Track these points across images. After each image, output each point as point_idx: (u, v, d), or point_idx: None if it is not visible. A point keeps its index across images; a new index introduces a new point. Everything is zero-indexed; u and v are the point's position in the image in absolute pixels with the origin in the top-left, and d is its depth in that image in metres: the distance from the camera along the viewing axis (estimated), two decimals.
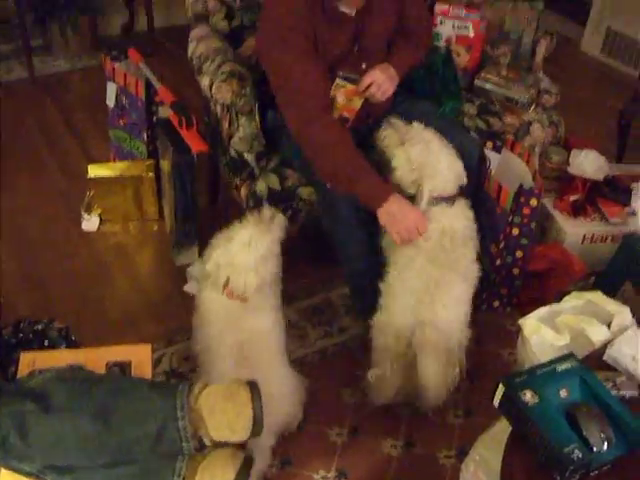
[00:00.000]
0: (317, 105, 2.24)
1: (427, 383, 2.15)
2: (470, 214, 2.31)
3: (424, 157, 2.23)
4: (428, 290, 2.16)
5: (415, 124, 2.29)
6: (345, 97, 2.38)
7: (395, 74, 2.45)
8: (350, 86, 2.37)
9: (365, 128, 2.48)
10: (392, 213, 2.18)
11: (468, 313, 2.26)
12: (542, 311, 2.05)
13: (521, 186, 2.45)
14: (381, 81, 2.38)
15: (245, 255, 2.01)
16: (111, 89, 3.18)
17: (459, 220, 2.27)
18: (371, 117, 2.51)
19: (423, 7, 2.75)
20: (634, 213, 2.84)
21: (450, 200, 2.25)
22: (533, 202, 2.47)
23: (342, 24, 2.36)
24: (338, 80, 2.35)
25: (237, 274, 2.00)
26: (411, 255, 2.22)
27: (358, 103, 2.41)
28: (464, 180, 2.29)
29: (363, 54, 2.44)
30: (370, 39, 2.43)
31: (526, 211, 2.49)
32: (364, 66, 2.43)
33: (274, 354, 2.09)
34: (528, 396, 1.66)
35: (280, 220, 2.13)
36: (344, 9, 2.32)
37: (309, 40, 2.27)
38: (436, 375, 2.15)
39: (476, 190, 2.60)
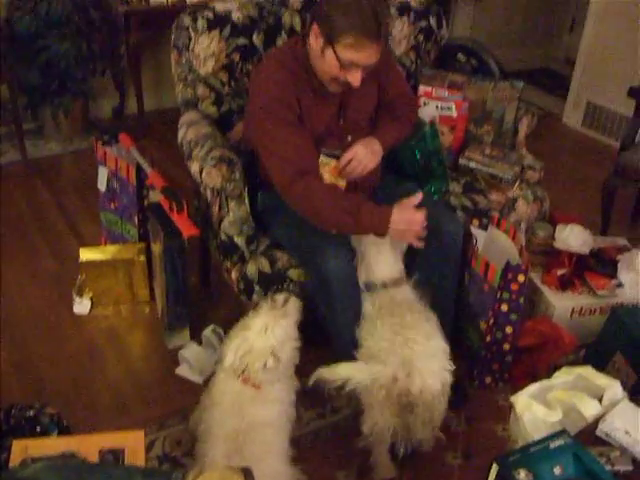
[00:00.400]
0: (301, 166, 2.30)
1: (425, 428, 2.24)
2: None
3: None
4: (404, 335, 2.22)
5: None
6: (331, 175, 2.44)
7: (379, 148, 2.53)
8: (334, 162, 2.44)
9: None
10: (401, 229, 2.26)
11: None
12: (533, 388, 2.06)
13: (508, 262, 2.49)
14: (362, 156, 2.46)
15: (262, 342, 2.04)
16: (102, 173, 3.22)
17: None
18: (359, 193, 2.56)
19: (404, 84, 2.85)
20: (621, 285, 2.87)
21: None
22: (521, 278, 2.50)
23: (327, 100, 2.45)
24: (322, 157, 2.42)
25: (256, 360, 2.02)
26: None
27: (343, 182, 2.47)
28: None
29: (349, 127, 2.53)
30: (354, 113, 2.53)
31: (514, 287, 2.51)
32: (350, 139, 2.52)
33: (270, 449, 2.08)
34: (522, 475, 1.67)
35: (294, 303, 2.17)
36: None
37: (294, 112, 2.36)
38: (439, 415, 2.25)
39: (463, 268, 2.64)
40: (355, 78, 2.30)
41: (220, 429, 2.05)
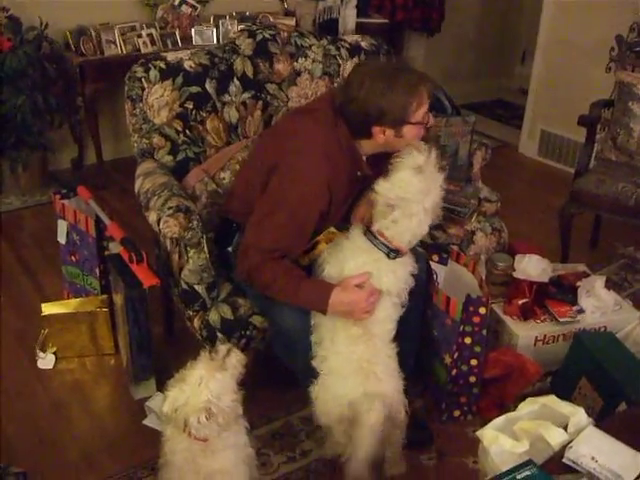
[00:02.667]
0: (278, 252, 2.29)
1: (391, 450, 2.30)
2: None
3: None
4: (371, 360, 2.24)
5: None
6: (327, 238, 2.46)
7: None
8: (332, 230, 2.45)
9: None
10: (342, 310, 2.24)
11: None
12: (499, 420, 2.07)
13: (469, 296, 2.51)
14: None
15: (197, 395, 1.99)
16: (62, 226, 3.21)
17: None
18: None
19: None
20: (582, 311, 2.91)
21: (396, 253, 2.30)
22: (482, 310, 2.52)
23: (355, 185, 2.46)
24: (330, 229, 2.43)
25: (190, 415, 1.98)
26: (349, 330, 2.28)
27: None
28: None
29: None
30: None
31: (476, 319, 2.54)
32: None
33: None
34: None
35: (236, 356, 2.11)
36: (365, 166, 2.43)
37: (319, 211, 2.34)
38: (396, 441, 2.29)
39: (426, 304, 2.66)
40: (428, 119, 2.36)
41: None
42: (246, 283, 2.40)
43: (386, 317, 2.31)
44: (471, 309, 2.52)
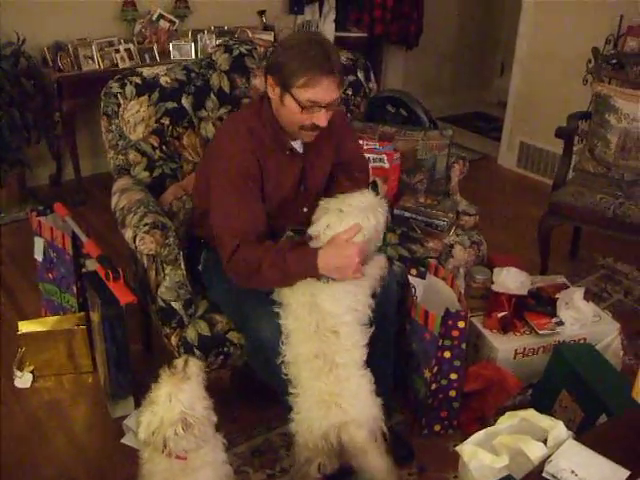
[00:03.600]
0: (248, 238, 2.30)
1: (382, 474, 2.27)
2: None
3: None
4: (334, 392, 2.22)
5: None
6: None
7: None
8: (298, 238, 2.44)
9: None
10: (334, 267, 2.24)
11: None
12: (479, 435, 2.06)
13: (447, 310, 2.50)
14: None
15: (170, 411, 1.98)
16: (38, 244, 3.19)
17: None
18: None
19: (359, 145, 2.87)
20: (561, 322, 2.91)
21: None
22: (461, 324, 2.52)
23: (292, 160, 2.46)
24: (288, 233, 2.44)
25: (169, 429, 1.97)
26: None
27: None
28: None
29: (307, 196, 2.53)
30: (313, 179, 2.53)
31: (455, 333, 2.53)
32: (305, 210, 2.51)
33: None
34: None
35: (194, 363, 2.11)
36: (295, 145, 2.44)
37: (253, 179, 2.36)
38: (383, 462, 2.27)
39: (403, 318, 2.65)
40: (320, 118, 2.30)
41: None
42: (240, 282, 2.36)
43: (353, 344, 2.28)
44: (450, 323, 2.51)
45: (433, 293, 2.74)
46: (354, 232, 2.26)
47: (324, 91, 2.26)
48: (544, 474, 1.87)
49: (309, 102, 2.27)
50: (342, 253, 2.24)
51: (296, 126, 2.35)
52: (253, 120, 2.42)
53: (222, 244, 2.34)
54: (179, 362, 2.09)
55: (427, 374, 2.62)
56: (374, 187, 2.91)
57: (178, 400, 1.98)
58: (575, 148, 3.87)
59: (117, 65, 4.50)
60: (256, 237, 2.32)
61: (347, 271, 2.24)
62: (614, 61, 3.89)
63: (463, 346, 2.57)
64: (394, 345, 2.63)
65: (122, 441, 2.70)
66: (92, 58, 4.47)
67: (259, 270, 2.27)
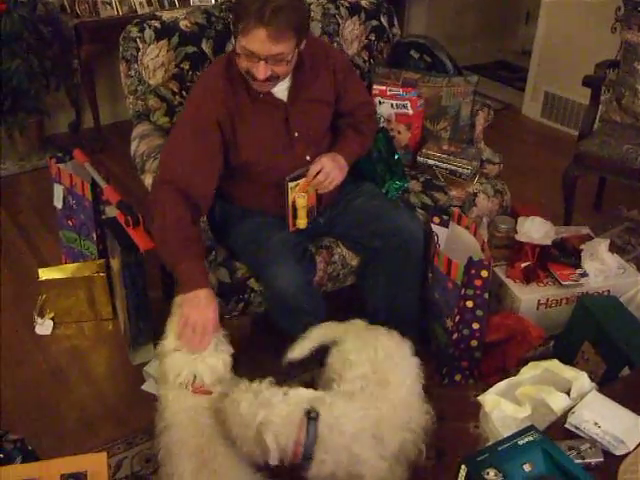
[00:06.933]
0: (174, 175, 2.28)
1: None
2: None
3: None
4: None
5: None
6: (302, 194, 2.42)
7: (344, 164, 2.48)
8: (301, 181, 2.41)
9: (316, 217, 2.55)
10: (194, 301, 2.17)
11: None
12: (501, 385, 2.05)
13: (470, 259, 2.47)
14: (329, 169, 2.41)
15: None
16: (58, 191, 3.17)
17: None
18: (321, 203, 2.54)
19: (365, 93, 2.81)
20: (586, 274, 2.87)
21: None
22: (484, 273, 2.48)
23: (270, 108, 2.40)
24: (290, 184, 2.39)
25: (200, 365, 2.02)
26: None
27: (312, 190, 2.45)
28: None
29: (305, 143, 2.48)
30: (304, 126, 2.47)
31: (478, 283, 2.50)
32: (308, 158, 2.47)
33: (235, 460, 2.02)
34: (491, 475, 1.65)
35: None
36: (275, 92, 2.38)
37: (212, 121, 2.32)
38: None
39: (426, 266, 2.63)
40: (257, 69, 2.21)
41: (182, 448, 2.01)
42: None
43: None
44: (473, 272, 2.48)
45: (456, 242, 2.71)
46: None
47: (254, 41, 2.15)
48: (567, 425, 1.87)
49: (244, 50, 2.19)
50: (200, 308, 2.16)
51: (244, 72, 2.28)
52: (222, 64, 2.38)
53: (160, 162, 2.38)
54: None
55: (449, 323, 2.60)
56: (384, 135, 2.87)
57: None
58: (602, 98, 3.78)
59: (136, 11, 4.43)
60: (185, 186, 2.27)
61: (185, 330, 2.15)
62: None
63: (486, 296, 2.54)
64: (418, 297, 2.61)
65: (142, 388, 2.72)
66: (110, 4, 4.40)
67: (160, 228, 2.27)
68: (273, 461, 1.90)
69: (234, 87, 2.34)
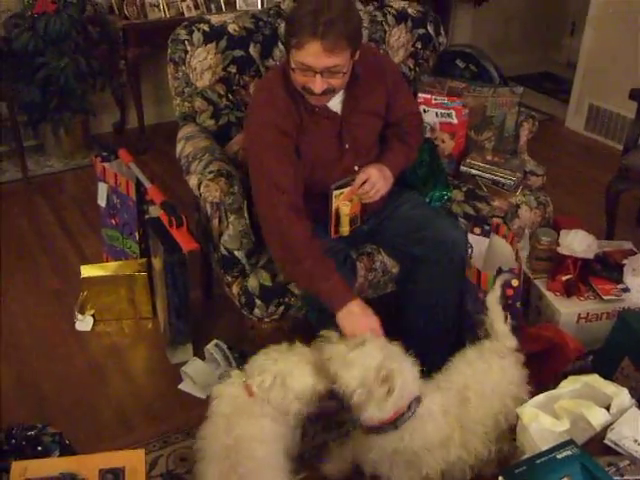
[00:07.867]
0: (286, 200, 2.27)
1: None
2: None
3: None
4: None
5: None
6: (346, 202, 2.43)
7: (390, 175, 2.48)
8: (346, 190, 2.42)
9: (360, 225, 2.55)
10: (351, 317, 2.17)
11: None
12: (540, 398, 2.04)
13: (500, 268, 2.44)
14: (375, 179, 2.41)
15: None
16: (102, 189, 3.22)
17: None
18: (365, 212, 2.54)
19: (413, 103, 2.81)
20: (627, 289, 2.84)
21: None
22: (514, 282, 2.45)
23: (326, 118, 2.41)
24: (335, 192, 2.40)
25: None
26: None
27: (357, 199, 2.46)
28: None
29: (355, 154, 2.48)
30: (356, 138, 2.47)
31: (509, 292, 2.46)
32: (356, 168, 2.47)
33: (264, 468, 2.00)
34: None
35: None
36: (330, 105, 2.39)
37: (288, 135, 2.31)
38: None
39: (463, 277, 2.61)
40: (313, 83, 2.22)
41: (212, 445, 2.00)
42: (270, 244, 2.36)
43: None
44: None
45: (495, 253, 2.69)
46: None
47: (310, 56, 2.15)
48: (606, 441, 1.85)
49: (299, 65, 2.20)
50: (362, 319, 2.18)
51: (300, 88, 2.29)
52: (277, 80, 2.37)
53: (259, 191, 2.33)
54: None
55: (481, 335, 2.57)
56: (429, 146, 2.86)
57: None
58: None
59: (183, 14, 4.48)
60: (297, 198, 2.28)
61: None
62: None
63: (517, 305, 2.51)
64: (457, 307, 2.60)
65: (179, 387, 2.74)
66: (158, 6, 4.45)
67: (298, 263, 2.25)
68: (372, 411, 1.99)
69: (294, 98, 2.34)
